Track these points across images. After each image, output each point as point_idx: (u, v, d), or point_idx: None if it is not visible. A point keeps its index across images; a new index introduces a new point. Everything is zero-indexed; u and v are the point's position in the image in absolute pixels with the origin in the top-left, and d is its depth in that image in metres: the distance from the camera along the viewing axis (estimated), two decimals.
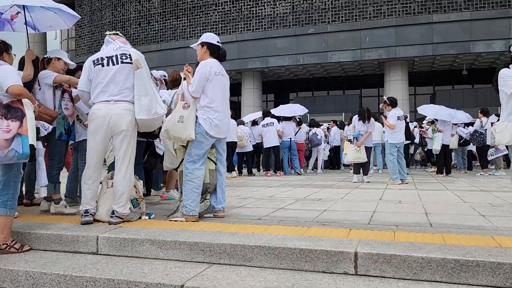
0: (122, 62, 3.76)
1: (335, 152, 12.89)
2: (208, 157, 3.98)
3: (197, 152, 3.81)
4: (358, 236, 3.07)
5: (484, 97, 20.67)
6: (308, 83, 23.89)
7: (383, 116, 8.59)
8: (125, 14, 23.46)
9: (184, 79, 4.49)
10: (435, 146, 10.20)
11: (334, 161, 13.36)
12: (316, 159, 12.46)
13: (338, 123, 14.70)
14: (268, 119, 11.00)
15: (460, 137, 11.00)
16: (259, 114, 12.33)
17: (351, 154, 8.36)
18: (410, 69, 20.45)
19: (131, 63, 3.77)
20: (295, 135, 11.56)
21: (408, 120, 11.18)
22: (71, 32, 28.62)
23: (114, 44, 3.84)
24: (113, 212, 3.64)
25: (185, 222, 3.71)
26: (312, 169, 12.53)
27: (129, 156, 3.74)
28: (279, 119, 11.53)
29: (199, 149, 3.82)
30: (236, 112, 22.78)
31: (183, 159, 3.98)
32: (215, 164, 4.06)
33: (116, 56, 3.77)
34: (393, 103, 8.21)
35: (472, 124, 11.28)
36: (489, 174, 10.44)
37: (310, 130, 12.31)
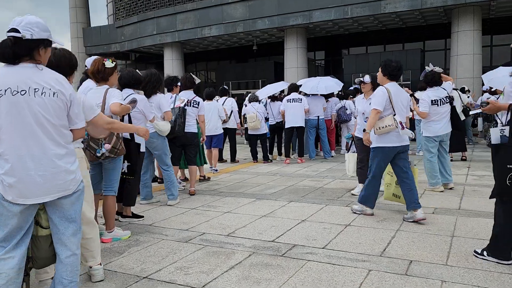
0: None
1: None
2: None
3: None
4: None
5: None
6: (361, 37, 20.98)
7: (413, 98, 6.27)
8: None
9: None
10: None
11: None
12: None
13: None
14: (294, 94, 8.99)
15: None
16: (281, 86, 10.31)
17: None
18: (485, 16, 16.89)
19: None
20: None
21: (455, 102, 8.40)
22: None
23: None
24: None
25: None
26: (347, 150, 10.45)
27: None
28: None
29: None
30: (281, 75, 20.68)
31: None
32: (44, 228, 2.42)
33: None
34: (431, 81, 5.88)
35: None
36: None
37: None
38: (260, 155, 9.64)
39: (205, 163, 7.51)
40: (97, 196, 4.02)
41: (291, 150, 9.75)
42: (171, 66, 22.46)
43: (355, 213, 4.78)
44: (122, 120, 4.16)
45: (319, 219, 4.61)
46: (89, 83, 4.18)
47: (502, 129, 3.05)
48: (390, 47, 20.74)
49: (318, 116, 9.39)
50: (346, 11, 16.87)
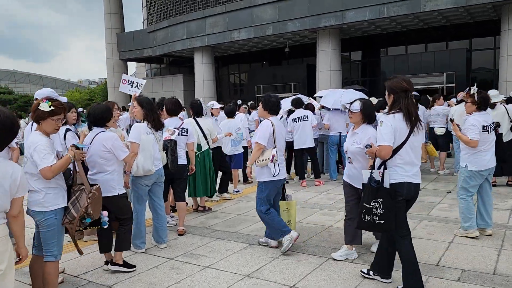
0: None
1: None
2: None
3: None
4: None
5: None
6: (401, 37, 19.54)
7: (453, 123, 5.14)
8: None
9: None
10: None
11: None
12: None
13: (420, 98, 10.96)
14: (300, 112, 8.16)
15: None
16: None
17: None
18: None
19: None
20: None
21: (502, 122, 6.96)
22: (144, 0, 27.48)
23: None
24: None
25: None
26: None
27: None
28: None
29: None
30: (314, 78, 19.61)
31: None
32: None
33: None
34: (484, 102, 4.75)
35: None
36: None
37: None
38: None
39: (214, 194, 6.87)
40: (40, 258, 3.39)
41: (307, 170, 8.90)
42: (202, 70, 22.00)
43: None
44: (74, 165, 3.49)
45: (312, 286, 3.73)
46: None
47: (371, 171, 3.37)
48: (432, 47, 19.20)
49: (340, 133, 8.42)
50: (382, 10, 15.63)
